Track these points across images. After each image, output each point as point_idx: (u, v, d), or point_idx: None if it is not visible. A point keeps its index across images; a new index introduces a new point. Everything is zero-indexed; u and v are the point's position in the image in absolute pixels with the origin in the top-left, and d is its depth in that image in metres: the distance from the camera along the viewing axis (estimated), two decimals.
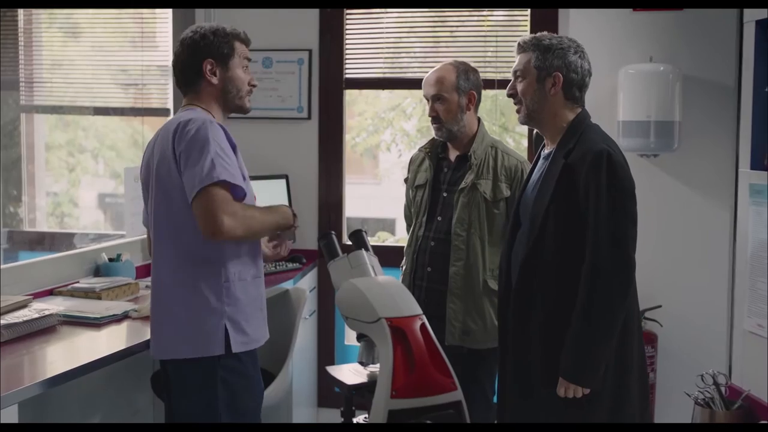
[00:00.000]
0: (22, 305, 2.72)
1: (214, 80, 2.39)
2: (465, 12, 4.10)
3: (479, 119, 3.10)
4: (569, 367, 2.28)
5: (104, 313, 2.82)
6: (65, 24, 4.33)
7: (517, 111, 2.49)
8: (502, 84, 3.79)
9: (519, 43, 2.48)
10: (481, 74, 3.10)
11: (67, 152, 4.68)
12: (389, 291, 2.67)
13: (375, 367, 2.68)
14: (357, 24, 4.21)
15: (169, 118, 3.08)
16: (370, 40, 4.24)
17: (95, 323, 2.76)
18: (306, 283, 3.90)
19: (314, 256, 4.08)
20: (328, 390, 3.83)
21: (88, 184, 4.88)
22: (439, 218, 3.05)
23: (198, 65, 2.38)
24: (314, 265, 4.13)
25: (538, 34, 2.47)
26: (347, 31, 4.20)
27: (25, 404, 2.10)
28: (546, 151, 2.50)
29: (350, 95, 4.47)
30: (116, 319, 2.83)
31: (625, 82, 3.48)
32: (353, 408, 2.74)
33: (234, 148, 2.33)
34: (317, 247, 2.89)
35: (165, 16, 4.12)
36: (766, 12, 3.05)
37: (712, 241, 3.55)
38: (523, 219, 2.48)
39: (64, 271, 3.26)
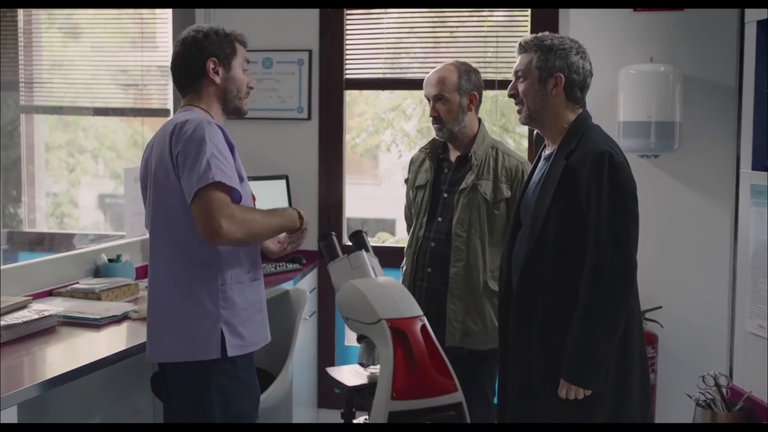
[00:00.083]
0: (22, 306, 2.72)
1: (217, 79, 2.38)
2: (465, 12, 4.10)
3: (480, 120, 3.10)
4: (571, 368, 2.28)
5: (104, 314, 2.81)
6: (65, 24, 4.33)
7: (518, 111, 2.49)
8: (502, 84, 3.79)
9: (520, 43, 2.47)
10: (481, 75, 3.10)
11: (67, 153, 4.68)
12: (390, 292, 2.66)
13: (375, 369, 2.67)
14: (357, 24, 4.21)
15: (169, 118, 3.07)
16: (370, 41, 4.24)
17: (95, 324, 2.76)
18: (306, 284, 3.90)
19: (314, 257, 4.07)
20: (328, 391, 3.83)
21: (87, 184, 4.87)
22: (439, 219, 3.05)
23: (201, 63, 2.37)
24: (314, 265, 4.13)
25: (540, 34, 2.46)
26: (347, 32, 4.19)
27: (24, 405, 2.09)
28: (547, 151, 2.49)
29: (350, 96, 4.46)
30: (116, 320, 2.83)
31: (625, 83, 3.48)
32: (353, 409, 2.74)
33: (232, 148, 2.31)
34: (317, 247, 2.88)
35: (165, 16, 4.12)
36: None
37: (712, 242, 3.54)
38: (524, 220, 2.48)
39: (63, 272, 3.26)
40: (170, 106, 4.13)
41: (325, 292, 4.13)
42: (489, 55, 4.06)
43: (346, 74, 4.21)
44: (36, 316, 2.63)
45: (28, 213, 4.17)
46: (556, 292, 2.33)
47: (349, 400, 2.72)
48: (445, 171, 3.10)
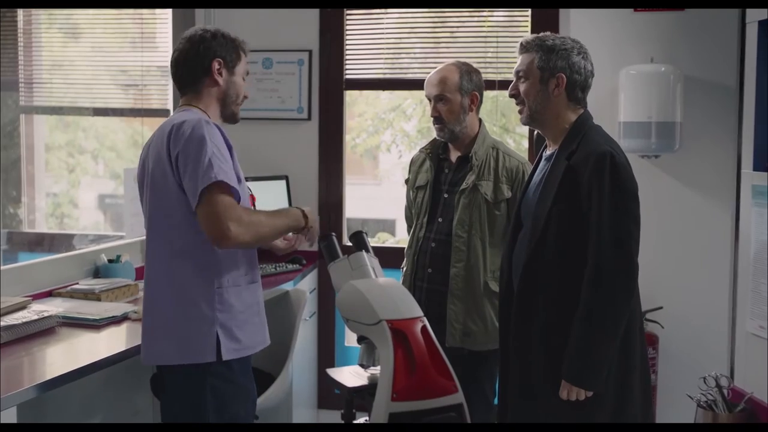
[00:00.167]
0: (22, 307, 2.72)
1: (220, 80, 2.37)
2: (465, 12, 4.10)
3: (480, 120, 3.10)
4: (572, 369, 2.27)
5: (103, 315, 2.81)
6: (65, 24, 4.33)
7: (519, 112, 2.48)
8: (503, 85, 3.79)
9: (522, 43, 2.46)
10: (482, 75, 3.10)
11: (66, 153, 4.67)
12: (390, 293, 2.66)
13: (375, 370, 2.67)
14: (357, 24, 4.21)
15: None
16: (370, 41, 4.24)
17: (94, 325, 2.75)
18: (306, 285, 3.89)
19: (314, 258, 4.07)
20: (329, 392, 3.83)
21: (87, 185, 4.87)
22: (439, 219, 3.04)
23: (208, 62, 2.35)
24: (314, 266, 4.12)
25: (542, 34, 2.45)
26: (347, 32, 4.19)
27: (24, 406, 2.09)
28: (548, 152, 2.49)
29: (350, 96, 4.46)
30: (115, 320, 2.83)
31: (626, 83, 3.47)
32: (354, 410, 2.73)
33: (230, 149, 2.30)
34: (317, 248, 2.88)
35: (165, 16, 4.11)
36: None
37: (713, 242, 3.54)
38: (525, 220, 2.47)
39: (63, 273, 3.26)
40: (170, 106, 4.13)
41: (325, 292, 4.12)
42: (489, 55, 4.06)
43: (346, 74, 4.21)
44: (36, 317, 2.63)
45: (28, 213, 4.16)
46: (557, 293, 2.33)
47: (350, 401, 2.71)
48: (445, 171, 3.10)
